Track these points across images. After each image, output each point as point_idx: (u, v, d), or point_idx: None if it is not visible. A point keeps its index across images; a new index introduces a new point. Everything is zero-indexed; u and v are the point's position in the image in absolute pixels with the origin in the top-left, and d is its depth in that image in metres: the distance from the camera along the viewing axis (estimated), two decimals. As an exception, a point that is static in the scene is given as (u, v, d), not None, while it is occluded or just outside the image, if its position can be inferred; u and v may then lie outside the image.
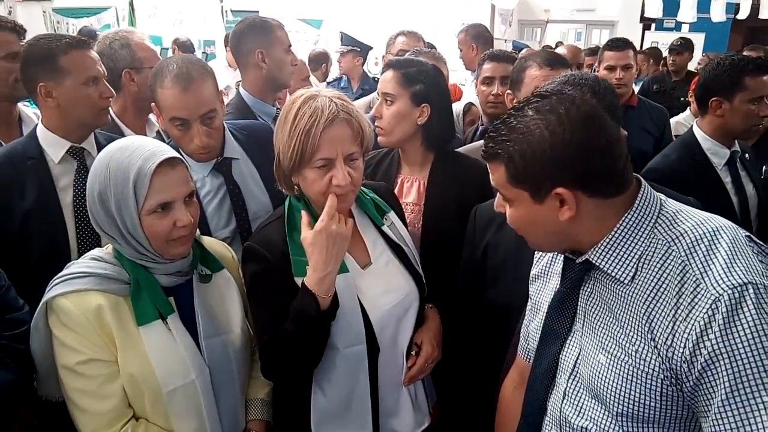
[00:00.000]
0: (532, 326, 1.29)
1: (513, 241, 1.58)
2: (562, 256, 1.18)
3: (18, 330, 1.40)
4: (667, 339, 0.97)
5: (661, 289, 0.99)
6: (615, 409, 1.05)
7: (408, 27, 3.67)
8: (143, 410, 1.35)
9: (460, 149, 2.29)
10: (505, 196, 1.10)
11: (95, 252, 1.42)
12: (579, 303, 1.15)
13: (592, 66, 4.71)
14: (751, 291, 0.91)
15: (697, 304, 0.94)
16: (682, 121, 4.08)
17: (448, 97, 1.99)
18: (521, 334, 1.38)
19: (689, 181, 2.11)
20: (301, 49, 5.91)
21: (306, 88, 1.51)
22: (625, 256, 1.04)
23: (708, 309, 0.92)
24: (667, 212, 1.05)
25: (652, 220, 1.04)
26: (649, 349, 0.99)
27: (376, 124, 1.90)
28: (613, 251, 1.05)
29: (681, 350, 0.95)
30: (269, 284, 1.44)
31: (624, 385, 1.03)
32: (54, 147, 1.84)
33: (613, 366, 1.05)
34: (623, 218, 1.05)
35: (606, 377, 1.06)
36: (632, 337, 1.02)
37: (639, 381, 1.01)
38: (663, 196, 1.10)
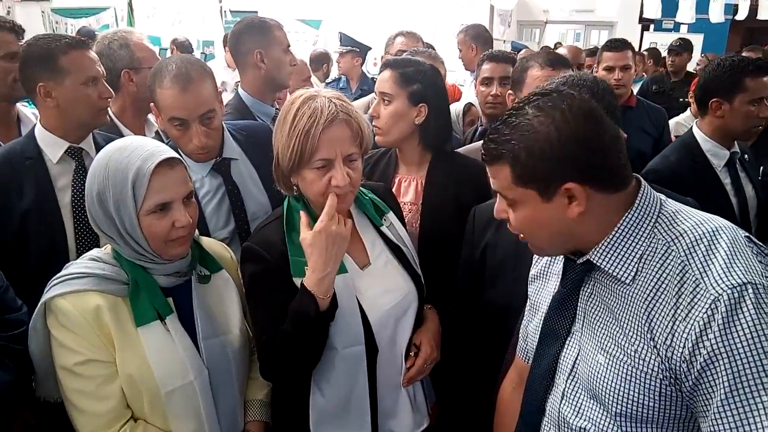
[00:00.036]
0: (530, 326, 1.29)
1: (512, 241, 1.57)
2: (562, 256, 1.18)
3: (16, 330, 1.40)
4: (666, 339, 0.97)
5: (661, 289, 0.99)
6: (613, 409, 1.05)
7: (407, 27, 3.67)
8: (142, 411, 1.35)
9: (460, 149, 2.29)
10: (508, 199, 1.07)
11: (94, 252, 1.42)
12: (579, 304, 1.15)
13: (592, 67, 4.71)
14: (750, 291, 0.91)
15: (696, 303, 0.94)
16: (682, 122, 4.09)
17: (445, 97, 1.99)
18: (520, 335, 1.38)
19: (689, 182, 2.11)
20: (300, 50, 5.92)
21: (305, 89, 1.50)
22: (627, 255, 1.04)
23: (707, 309, 0.93)
24: (666, 212, 1.06)
25: (653, 220, 1.04)
26: (649, 348, 0.99)
27: (373, 123, 1.90)
28: (615, 251, 1.05)
29: (680, 350, 0.95)
30: (268, 285, 1.44)
31: (623, 385, 1.03)
32: (52, 147, 1.84)
33: (611, 366, 1.05)
34: (624, 218, 1.05)
35: (605, 377, 1.06)
36: (632, 337, 1.02)
37: (638, 381, 1.01)
38: (663, 196, 1.10)
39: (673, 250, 1.01)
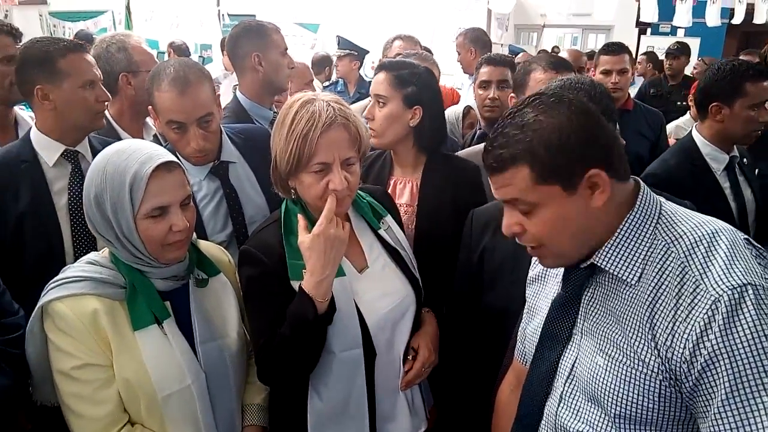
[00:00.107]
0: (529, 329, 1.29)
1: (510, 245, 1.57)
2: None
3: (13, 334, 1.39)
4: (666, 339, 0.97)
5: (661, 290, 1.00)
6: (612, 411, 1.05)
7: (405, 31, 3.68)
8: (139, 415, 1.35)
9: (460, 152, 2.30)
10: (528, 203, 1.03)
11: (91, 256, 1.42)
12: (580, 307, 1.14)
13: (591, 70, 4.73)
14: (750, 292, 0.92)
15: (696, 304, 0.95)
16: (681, 125, 4.10)
17: (440, 99, 2.00)
18: (518, 337, 1.38)
19: (688, 185, 2.11)
20: (298, 53, 5.93)
21: (304, 92, 1.51)
22: (632, 256, 1.04)
23: (708, 309, 0.93)
24: (666, 214, 1.06)
25: (654, 221, 1.05)
26: (650, 349, 1.00)
27: (368, 125, 1.90)
28: (619, 253, 1.05)
29: (680, 350, 0.95)
30: (266, 288, 1.43)
31: (622, 386, 1.03)
32: (48, 150, 1.84)
33: (611, 368, 1.05)
34: (626, 219, 1.05)
35: (604, 379, 1.05)
36: (632, 338, 1.02)
37: (637, 382, 1.01)
38: (662, 199, 1.10)
39: (672, 252, 1.01)
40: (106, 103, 1.94)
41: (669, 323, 0.97)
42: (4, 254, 1.72)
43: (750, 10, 8.03)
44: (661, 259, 1.01)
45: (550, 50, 7.53)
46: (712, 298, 0.93)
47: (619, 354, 1.04)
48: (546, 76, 1.93)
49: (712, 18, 7.88)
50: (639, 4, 7.83)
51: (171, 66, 1.79)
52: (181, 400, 1.35)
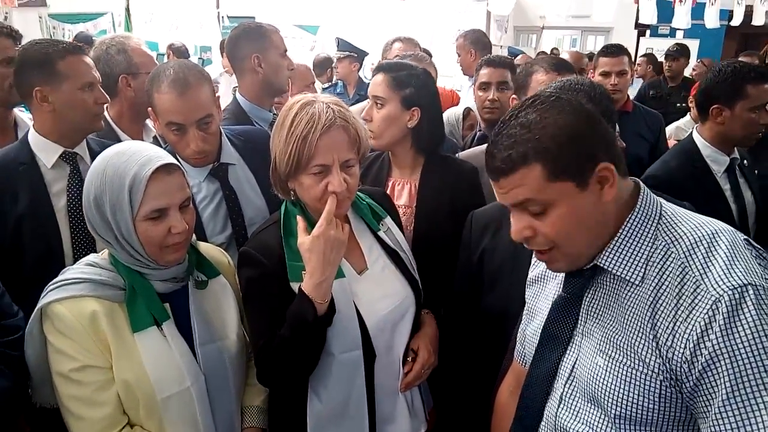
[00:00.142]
0: (528, 330, 1.29)
1: (509, 246, 1.58)
2: None
3: (13, 336, 1.39)
4: (667, 339, 0.97)
5: (661, 290, 1.00)
6: (612, 411, 1.05)
7: (404, 33, 3.68)
8: (138, 417, 1.34)
9: (461, 154, 2.30)
10: (541, 202, 1.01)
11: (91, 258, 1.42)
12: (581, 308, 1.14)
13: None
14: (751, 292, 0.92)
15: (697, 305, 0.95)
16: (682, 127, 4.10)
17: (438, 101, 2.00)
18: (517, 339, 1.38)
19: (688, 187, 2.11)
20: (297, 55, 5.93)
21: (303, 94, 1.51)
22: (635, 257, 1.04)
23: (708, 309, 0.93)
24: (666, 214, 1.06)
25: (655, 221, 1.05)
26: (652, 349, 1.00)
27: (366, 126, 1.90)
28: (623, 253, 1.05)
29: (681, 350, 0.95)
30: (265, 289, 1.43)
31: (622, 387, 1.03)
32: (46, 152, 1.84)
33: (611, 368, 1.05)
34: (628, 219, 1.05)
35: (604, 380, 1.06)
36: (634, 338, 1.02)
37: (638, 383, 1.01)
38: (662, 200, 1.10)
39: (672, 252, 1.01)
40: (105, 105, 1.94)
41: (670, 323, 0.97)
42: (4, 256, 1.72)
43: (749, 12, 8.05)
44: (661, 260, 1.02)
45: (549, 52, 7.54)
46: (713, 298, 0.93)
47: (620, 355, 1.04)
48: (548, 78, 1.93)
49: (711, 20, 7.89)
50: (638, 6, 7.84)
51: (171, 68, 1.79)
52: (180, 402, 1.35)
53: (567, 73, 1.94)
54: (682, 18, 7.79)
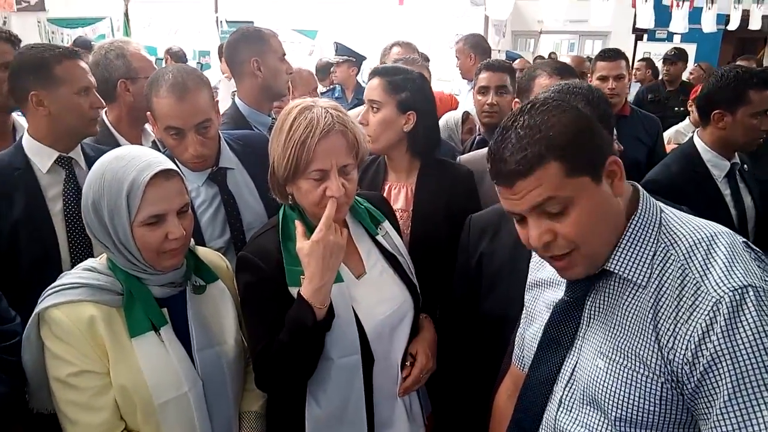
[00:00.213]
0: (527, 334, 1.29)
1: (508, 250, 1.58)
2: None
3: (10, 342, 1.38)
4: (668, 341, 0.97)
5: (662, 292, 1.00)
6: (613, 414, 1.05)
7: (402, 38, 3.69)
8: (135, 423, 1.34)
9: (462, 157, 2.30)
10: (562, 200, 0.99)
11: (89, 262, 1.41)
12: (583, 312, 1.14)
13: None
14: (751, 293, 0.92)
15: (698, 306, 0.95)
16: (681, 130, 4.11)
17: (433, 105, 2.01)
18: (516, 343, 1.38)
19: (689, 192, 2.11)
20: (296, 60, 5.94)
21: (302, 98, 1.51)
22: (641, 258, 1.04)
23: (709, 311, 0.93)
24: (666, 217, 1.07)
25: (657, 224, 1.06)
26: (653, 351, 1.00)
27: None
28: (630, 255, 1.05)
29: (682, 352, 0.95)
30: (263, 294, 1.43)
31: (623, 389, 1.03)
32: (41, 157, 1.83)
33: (611, 370, 1.05)
34: (631, 222, 1.06)
35: (604, 382, 1.05)
36: (636, 340, 1.02)
37: (639, 385, 1.01)
38: (660, 203, 1.11)
39: (672, 254, 1.01)
40: (104, 110, 1.94)
41: (671, 325, 0.97)
42: (0, 261, 1.71)
43: (745, 16, 8.09)
44: (661, 262, 1.02)
45: (547, 56, 7.56)
46: (714, 300, 0.93)
47: (621, 357, 1.04)
48: (551, 82, 1.93)
49: (708, 24, 7.93)
50: (635, 11, 7.87)
51: (169, 72, 1.79)
52: (177, 408, 1.35)
53: (569, 77, 1.95)
54: (679, 22, 7.82)
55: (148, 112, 1.83)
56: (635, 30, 9.54)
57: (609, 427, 1.06)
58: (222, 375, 1.44)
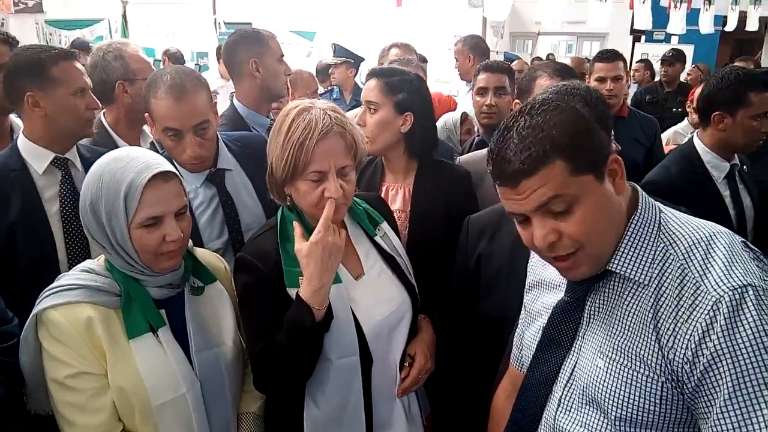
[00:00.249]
0: (526, 335, 1.29)
1: (506, 251, 1.58)
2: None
3: (7, 343, 1.38)
4: (668, 340, 0.97)
5: (662, 291, 1.00)
6: (612, 413, 1.05)
7: (400, 39, 3.69)
8: (133, 424, 1.33)
9: (461, 158, 2.30)
10: (567, 198, 0.98)
11: (87, 264, 1.41)
12: (584, 312, 1.14)
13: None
14: (750, 292, 0.92)
15: (697, 305, 0.95)
16: (680, 131, 4.12)
17: (430, 106, 2.01)
18: (514, 343, 1.38)
19: (688, 193, 2.11)
20: (294, 61, 5.94)
21: (300, 99, 1.51)
22: (643, 258, 1.04)
23: (709, 310, 0.93)
24: (665, 217, 1.07)
25: (657, 224, 1.06)
26: (654, 351, 1.00)
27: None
28: (631, 254, 1.05)
29: (682, 351, 0.95)
30: (261, 295, 1.43)
31: (623, 388, 1.03)
32: (37, 158, 1.83)
33: (611, 370, 1.05)
34: (631, 222, 1.06)
35: (604, 381, 1.06)
36: (636, 340, 1.02)
37: (638, 383, 1.01)
38: (659, 203, 1.11)
39: (671, 254, 1.02)
40: (102, 112, 1.93)
41: (671, 324, 0.98)
42: (-3, 262, 1.71)
43: (743, 18, 8.12)
44: (661, 261, 1.02)
45: (544, 57, 7.58)
46: (713, 299, 0.93)
47: (621, 357, 1.04)
48: (551, 83, 1.93)
49: (706, 25, 7.96)
50: (633, 12, 7.90)
51: (168, 73, 1.79)
52: (175, 409, 1.34)
53: (570, 78, 1.95)
54: (677, 23, 7.85)
55: (146, 114, 1.83)
56: (633, 31, 9.57)
57: (609, 427, 1.06)
58: (220, 376, 1.44)
